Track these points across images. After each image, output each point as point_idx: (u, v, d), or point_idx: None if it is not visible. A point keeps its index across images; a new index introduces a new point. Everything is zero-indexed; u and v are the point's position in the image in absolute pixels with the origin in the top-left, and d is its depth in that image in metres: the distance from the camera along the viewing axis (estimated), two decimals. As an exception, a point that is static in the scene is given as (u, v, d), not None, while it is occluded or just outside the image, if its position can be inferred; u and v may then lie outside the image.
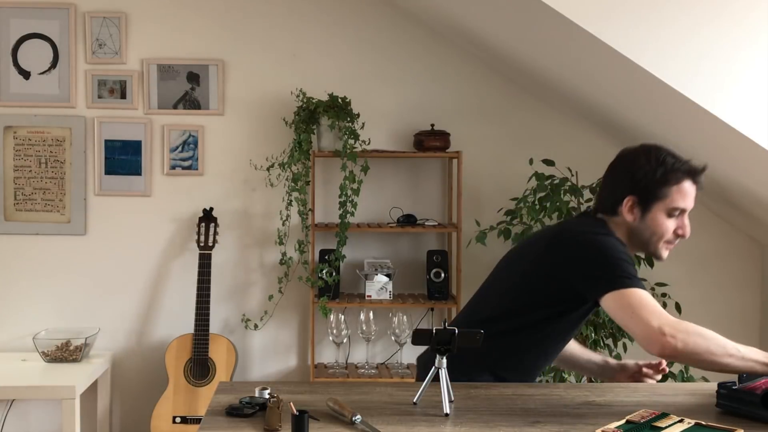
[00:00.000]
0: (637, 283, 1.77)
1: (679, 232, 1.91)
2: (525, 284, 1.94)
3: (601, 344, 3.32)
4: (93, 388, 3.44)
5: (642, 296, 1.74)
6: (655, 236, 1.91)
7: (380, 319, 3.40)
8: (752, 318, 3.64)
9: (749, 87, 2.34)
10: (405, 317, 3.28)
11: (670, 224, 1.90)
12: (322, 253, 3.41)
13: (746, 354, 1.78)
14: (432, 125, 3.44)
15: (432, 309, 3.54)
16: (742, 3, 2.31)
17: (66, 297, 3.56)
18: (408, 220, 3.43)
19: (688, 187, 1.89)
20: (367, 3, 3.55)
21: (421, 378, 1.90)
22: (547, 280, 1.89)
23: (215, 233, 3.45)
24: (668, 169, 1.88)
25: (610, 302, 1.77)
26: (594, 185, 3.39)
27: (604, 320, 3.24)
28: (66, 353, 3.34)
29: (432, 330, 1.68)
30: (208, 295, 3.37)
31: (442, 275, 3.38)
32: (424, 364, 2.04)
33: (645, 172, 1.89)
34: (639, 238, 1.93)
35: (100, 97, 3.53)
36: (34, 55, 3.50)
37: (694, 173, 1.90)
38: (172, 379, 3.33)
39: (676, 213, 1.90)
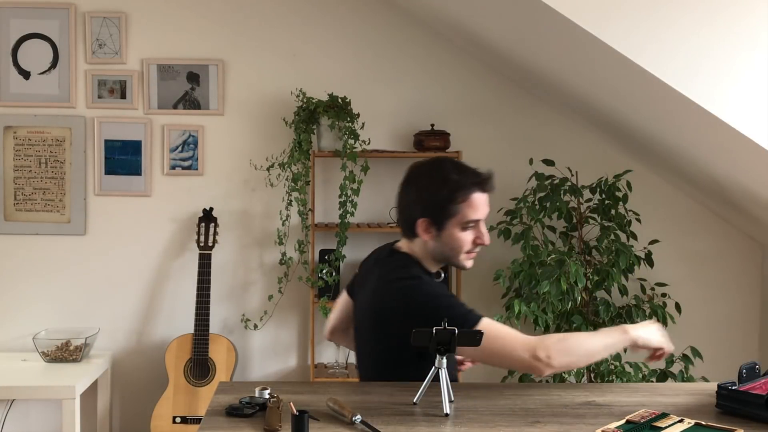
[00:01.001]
0: (473, 314, 1.82)
1: (478, 241, 1.94)
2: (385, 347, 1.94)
3: (601, 344, 3.32)
4: (93, 388, 3.44)
5: (503, 328, 1.82)
6: (454, 251, 1.94)
7: (380, 319, 3.40)
8: (752, 318, 3.64)
9: (749, 87, 2.34)
10: (405, 317, 3.27)
11: (466, 237, 1.93)
12: (322, 253, 3.41)
13: (607, 343, 1.87)
14: (432, 125, 3.44)
15: (432, 309, 3.53)
16: (742, 3, 2.31)
17: (66, 297, 3.56)
18: (408, 220, 3.42)
19: (478, 198, 1.90)
20: (367, 3, 3.55)
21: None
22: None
23: (215, 233, 3.45)
24: (453, 187, 1.88)
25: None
26: (594, 185, 3.39)
27: (604, 320, 3.24)
28: (66, 353, 3.34)
29: (432, 330, 1.68)
30: (208, 295, 3.37)
31: (442, 275, 3.36)
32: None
33: (430, 193, 1.90)
34: (440, 254, 1.96)
35: (100, 97, 3.53)
36: (34, 55, 3.50)
37: (480, 184, 1.91)
38: (172, 379, 3.33)
39: (471, 225, 1.91)
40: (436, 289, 1.91)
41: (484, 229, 1.94)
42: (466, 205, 1.88)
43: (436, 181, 1.90)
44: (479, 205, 1.90)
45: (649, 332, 1.90)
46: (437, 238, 1.92)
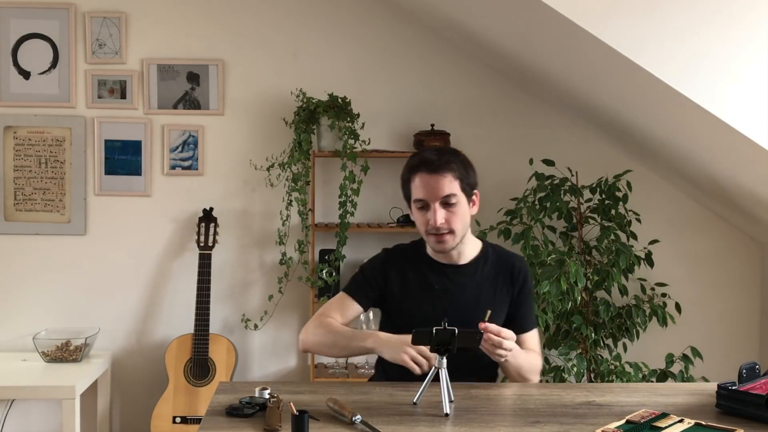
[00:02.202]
0: (348, 288, 2.13)
1: (430, 223, 2.00)
2: None
3: (602, 344, 3.32)
4: (93, 388, 3.44)
5: (333, 299, 2.13)
6: (420, 230, 2.07)
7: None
8: (752, 318, 3.64)
9: (749, 87, 2.34)
10: (405, 317, 3.27)
11: (419, 217, 2.04)
12: (322, 253, 3.41)
13: (353, 345, 2.00)
14: (432, 125, 3.44)
15: (432, 309, 3.53)
16: (741, 3, 2.31)
17: (66, 297, 3.56)
18: (408, 220, 3.42)
19: (421, 178, 2.00)
20: (367, 3, 3.55)
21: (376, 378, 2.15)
22: None
23: (215, 233, 3.45)
24: (406, 168, 2.07)
25: None
26: (594, 185, 3.39)
27: (604, 320, 3.24)
28: (66, 353, 3.34)
29: (432, 330, 1.68)
30: (208, 295, 3.37)
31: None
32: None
33: (402, 174, 2.09)
34: (421, 233, 2.09)
35: (100, 97, 3.53)
36: (34, 55, 3.50)
37: (424, 164, 2.01)
38: (172, 379, 3.33)
39: (419, 205, 2.02)
40: (373, 260, 2.18)
41: (434, 212, 1.99)
42: (413, 185, 2.03)
43: (405, 164, 2.09)
44: (422, 185, 2.00)
45: (390, 352, 1.90)
46: (414, 218, 2.09)
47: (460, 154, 2.08)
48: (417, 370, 1.83)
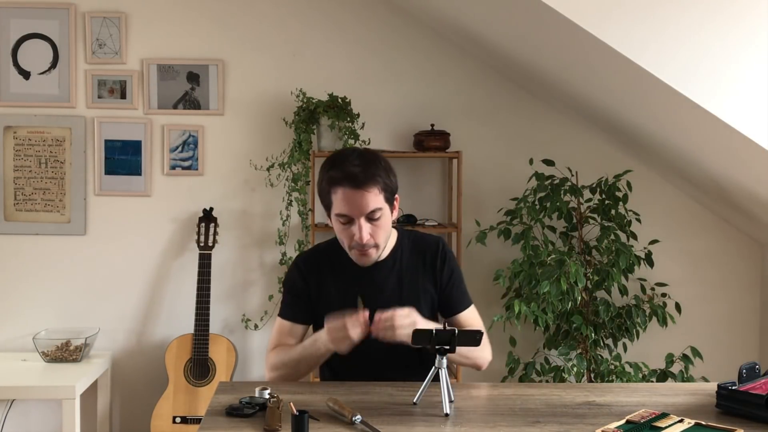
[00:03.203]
0: (280, 312, 2.06)
1: (355, 239, 1.90)
2: None
3: (602, 344, 3.32)
4: (93, 388, 3.44)
5: (274, 328, 2.08)
6: (342, 244, 1.97)
7: (380, 319, 3.40)
8: (752, 318, 3.64)
9: (749, 87, 2.34)
10: (405, 317, 3.27)
11: (341, 231, 1.93)
12: (322, 253, 3.41)
13: (317, 354, 1.92)
14: (432, 125, 3.44)
15: (432, 309, 3.53)
16: (741, 3, 2.31)
17: (66, 297, 3.56)
18: (408, 220, 3.43)
19: (343, 193, 1.86)
20: (367, 3, 3.55)
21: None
22: None
23: (215, 233, 3.45)
24: (325, 178, 1.91)
25: None
26: (594, 185, 3.39)
27: (604, 320, 3.24)
28: (66, 353, 3.34)
29: (432, 330, 1.68)
30: (208, 295, 3.37)
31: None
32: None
33: (318, 181, 1.95)
34: (342, 244, 1.98)
35: (100, 97, 3.53)
36: (34, 55, 3.50)
37: (341, 180, 1.86)
38: (172, 379, 3.33)
39: (343, 220, 1.90)
40: (290, 275, 2.09)
41: (359, 226, 1.88)
42: (335, 197, 1.88)
43: (323, 170, 1.93)
44: (346, 200, 1.86)
45: (337, 344, 1.84)
46: (333, 227, 1.97)
47: (382, 160, 1.92)
48: (343, 348, 1.81)
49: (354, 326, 1.78)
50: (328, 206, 1.94)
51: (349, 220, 1.89)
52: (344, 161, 1.88)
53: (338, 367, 2.05)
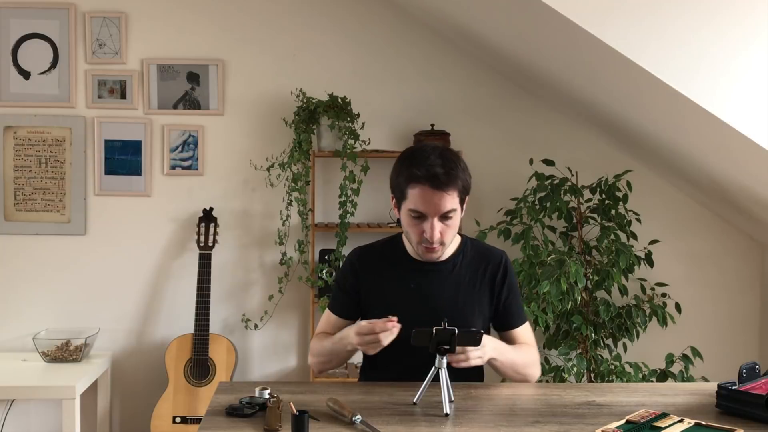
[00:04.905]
0: (330, 304, 2.13)
1: (424, 235, 1.91)
2: None
3: (602, 344, 3.32)
4: (93, 388, 3.44)
5: (323, 315, 2.15)
6: (408, 236, 1.99)
7: (380, 319, 3.40)
8: (752, 318, 3.64)
9: (749, 87, 2.34)
10: (405, 317, 3.27)
11: (413, 226, 1.93)
12: (322, 253, 3.41)
13: (346, 350, 1.97)
14: (432, 125, 3.44)
15: (432, 309, 3.53)
16: (741, 3, 2.31)
17: (66, 297, 3.56)
18: (408, 220, 3.42)
19: (423, 191, 1.87)
20: (367, 3, 3.55)
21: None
22: None
23: (215, 233, 3.45)
24: (404, 173, 1.91)
25: None
26: (594, 185, 3.39)
27: (604, 320, 3.24)
28: (66, 353, 3.34)
29: (432, 330, 1.68)
30: (208, 295, 3.37)
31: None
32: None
33: (395, 173, 1.95)
34: (407, 234, 2.00)
35: (100, 97, 3.53)
36: (34, 55, 3.50)
37: (423, 179, 1.86)
38: (172, 379, 3.33)
39: (415, 215, 1.91)
40: (342, 269, 2.13)
41: (431, 226, 1.89)
42: (411, 192, 1.89)
43: (402, 163, 1.93)
44: (423, 198, 1.87)
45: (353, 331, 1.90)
46: (401, 219, 1.97)
47: (461, 161, 1.93)
48: (371, 351, 1.83)
49: (385, 335, 1.80)
50: (400, 198, 1.94)
51: (421, 216, 1.90)
52: (426, 159, 1.88)
53: (381, 365, 2.03)
